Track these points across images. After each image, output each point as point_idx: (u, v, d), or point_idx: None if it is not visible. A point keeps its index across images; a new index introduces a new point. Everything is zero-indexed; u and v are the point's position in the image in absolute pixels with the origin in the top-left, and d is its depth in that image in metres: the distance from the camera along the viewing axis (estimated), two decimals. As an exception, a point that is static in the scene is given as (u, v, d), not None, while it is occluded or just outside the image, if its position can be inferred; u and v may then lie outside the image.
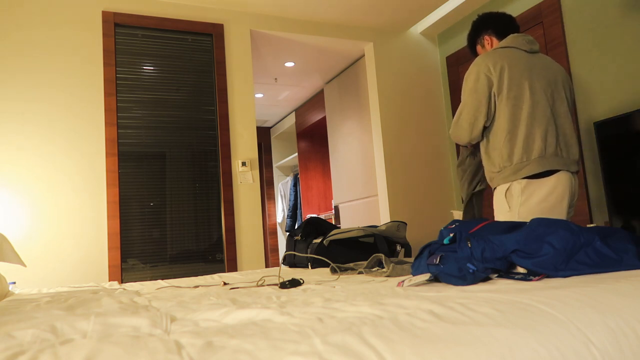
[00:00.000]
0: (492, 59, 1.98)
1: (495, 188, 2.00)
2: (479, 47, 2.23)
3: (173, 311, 1.00)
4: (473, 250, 1.15)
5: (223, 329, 0.77)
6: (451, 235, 1.25)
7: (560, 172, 1.88)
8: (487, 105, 1.94)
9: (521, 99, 1.92)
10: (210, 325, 0.83)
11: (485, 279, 1.17)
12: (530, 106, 1.91)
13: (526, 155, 1.88)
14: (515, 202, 1.88)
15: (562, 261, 1.11)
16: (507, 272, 1.19)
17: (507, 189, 1.91)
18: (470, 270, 1.11)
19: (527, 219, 1.86)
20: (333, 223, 4.71)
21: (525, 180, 1.87)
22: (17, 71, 2.89)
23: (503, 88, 1.93)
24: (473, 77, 1.97)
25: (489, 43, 2.17)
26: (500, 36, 2.13)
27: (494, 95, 1.94)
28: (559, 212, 1.87)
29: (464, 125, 1.99)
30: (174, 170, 3.21)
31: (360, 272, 1.70)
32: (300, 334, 0.68)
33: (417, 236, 3.70)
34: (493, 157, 1.98)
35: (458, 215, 2.27)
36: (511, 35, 2.06)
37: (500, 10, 3.48)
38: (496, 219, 2.00)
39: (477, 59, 2.02)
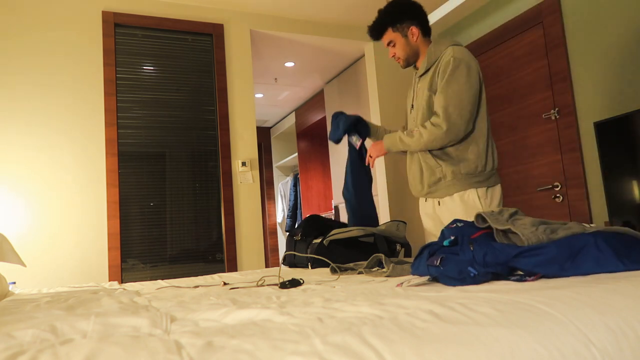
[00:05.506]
0: (474, 59, 1.95)
1: (452, 193, 2.00)
2: (395, 35, 2.06)
3: (173, 311, 1.00)
4: (475, 254, 1.15)
5: (223, 329, 0.76)
6: (452, 237, 1.25)
7: None
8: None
9: (486, 107, 2.01)
10: (210, 325, 0.83)
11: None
12: (488, 115, 2.03)
13: (494, 164, 2.00)
14: (482, 205, 1.95)
15: (564, 261, 1.11)
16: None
17: (470, 194, 1.95)
18: (471, 274, 1.11)
19: None
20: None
21: (487, 187, 1.98)
22: (17, 71, 2.89)
23: (482, 91, 1.97)
24: (468, 72, 1.89)
25: (414, 36, 2.05)
26: (426, 35, 2.08)
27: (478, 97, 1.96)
28: None
29: (460, 122, 1.88)
30: (174, 170, 3.21)
31: (360, 272, 1.70)
32: (300, 334, 0.68)
33: (417, 236, 3.70)
34: (470, 160, 1.95)
35: None
36: (451, 37, 2.08)
37: (500, 10, 3.48)
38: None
39: (464, 52, 1.93)
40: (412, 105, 2.13)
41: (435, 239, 1.63)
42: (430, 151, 2.00)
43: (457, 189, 1.98)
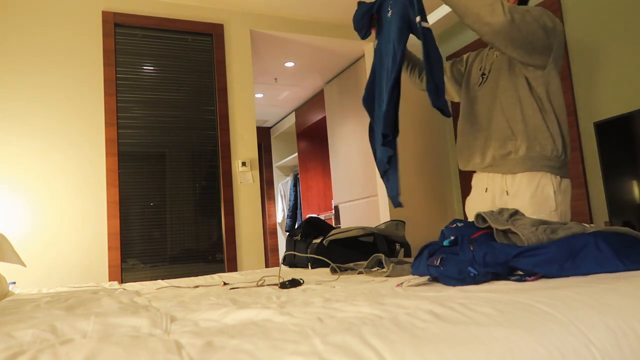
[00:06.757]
0: (555, 20, 1.69)
1: (521, 172, 1.73)
2: None
3: (173, 311, 1.00)
4: (475, 254, 1.15)
5: (223, 329, 0.76)
6: (452, 237, 1.25)
7: None
8: (538, 45, 1.64)
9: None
10: (210, 325, 0.83)
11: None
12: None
13: (567, 156, 1.75)
14: (555, 200, 1.70)
15: (564, 261, 1.11)
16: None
17: (543, 180, 1.70)
18: (471, 275, 1.11)
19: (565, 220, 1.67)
20: (333, 223, 4.72)
21: (561, 177, 1.72)
22: (17, 71, 2.89)
23: (558, 61, 1.72)
24: (541, 12, 1.64)
25: None
26: (521, 2, 1.86)
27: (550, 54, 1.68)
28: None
29: (520, 28, 1.57)
30: (174, 170, 3.21)
31: (360, 272, 1.70)
32: (300, 334, 0.68)
33: (417, 236, 3.70)
34: (547, 138, 1.68)
35: None
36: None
37: (500, 10, 3.47)
38: (524, 210, 1.68)
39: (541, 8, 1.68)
40: (484, 74, 1.89)
41: None
42: (506, 115, 1.74)
43: (526, 168, 1.72)
